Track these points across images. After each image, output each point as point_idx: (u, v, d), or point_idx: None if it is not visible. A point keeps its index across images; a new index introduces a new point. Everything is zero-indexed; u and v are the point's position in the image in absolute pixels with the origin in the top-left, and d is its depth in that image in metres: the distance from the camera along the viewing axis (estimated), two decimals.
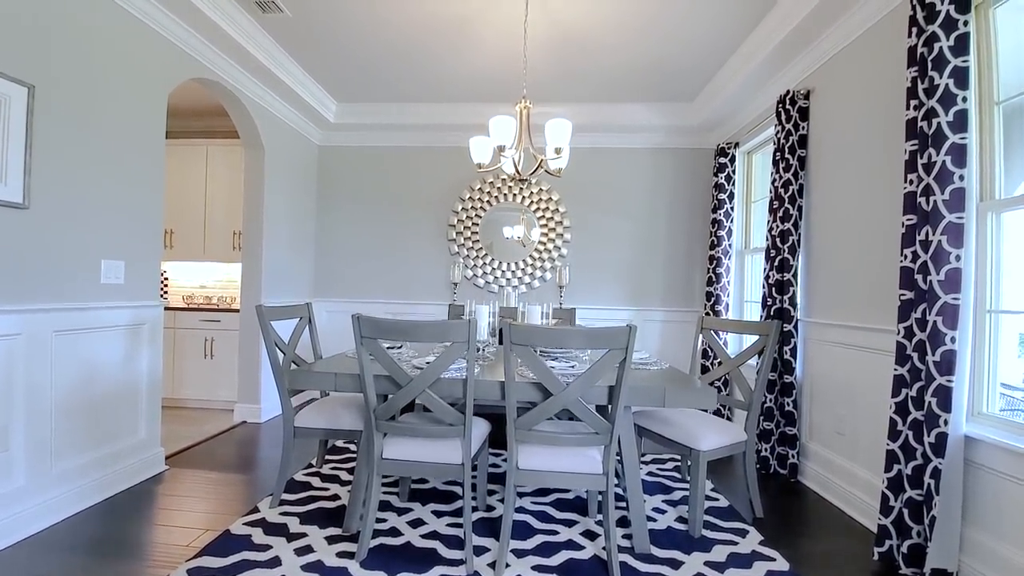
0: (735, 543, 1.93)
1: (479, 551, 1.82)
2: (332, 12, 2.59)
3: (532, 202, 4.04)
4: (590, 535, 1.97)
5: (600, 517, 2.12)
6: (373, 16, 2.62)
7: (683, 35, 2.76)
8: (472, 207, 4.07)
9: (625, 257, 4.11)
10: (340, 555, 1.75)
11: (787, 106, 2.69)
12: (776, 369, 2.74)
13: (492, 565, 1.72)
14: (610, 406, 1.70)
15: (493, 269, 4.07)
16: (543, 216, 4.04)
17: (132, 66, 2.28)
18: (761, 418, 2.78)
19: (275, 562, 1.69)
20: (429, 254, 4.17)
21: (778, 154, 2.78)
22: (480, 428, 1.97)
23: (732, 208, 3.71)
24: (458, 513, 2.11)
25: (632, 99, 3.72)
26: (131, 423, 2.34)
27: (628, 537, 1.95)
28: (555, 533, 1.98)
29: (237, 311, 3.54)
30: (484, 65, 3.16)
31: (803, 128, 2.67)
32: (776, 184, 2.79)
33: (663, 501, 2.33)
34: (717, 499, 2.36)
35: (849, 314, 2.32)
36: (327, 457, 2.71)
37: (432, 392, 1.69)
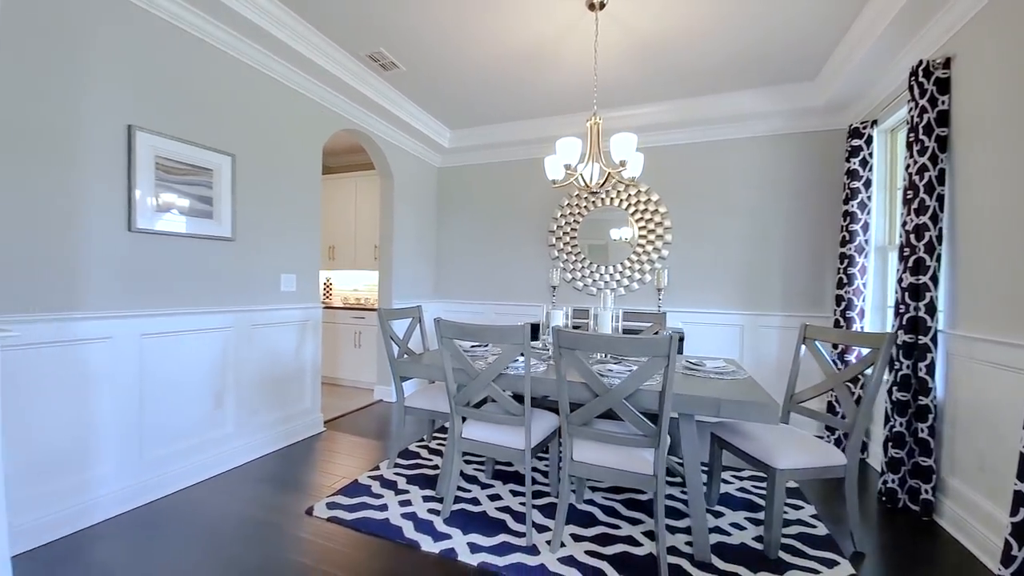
0: (816, 572, 1.79)
1: (542, 529, 2.04)
2: (436, 62, 3.08)
3: (630, 204, 4.04)
4: (652, 536, 2.03)
5: (665, 521, 2.15)
6: (466, 59, 3.03)
7: (784, 9, 2.52)
8: (570, 213, 4.25)
9: (736, 257, 3.83)
10: (430, 511, 2.16)
11: (920, 78, 2.27)
12: (909, 389, 2.35)
13: (549, 543, 1.93)
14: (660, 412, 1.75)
15: (591, 272, 4.18)
16: (641, 218, 4.01)
17: (297, 128, 3.05)
18: (890, 444, 2.42)
19: (383, 508, 2.18)
20: (531, 259, 4.48)
21: (911, 135, 2.36)
22: (548, 421, 2.19)
23: (869, 197, 3.20)
24: (533, 495, 2.35)
25: (737, 87, 3.46)
26: (300, 394, 3.14)
27: (691, 544, 1.96)
28: (617, 527, 2.09)
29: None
30: (569, 80, 3.34)
31: (942, 103, 2.23)
32: (910, 170, 2.38)
33: (745, 518, 2.23)
34: (815, 527, 2.16)
35: (1008, 328, 1.87)
36: (435, 435, 3.21)
37: (496, 385, 1.97)
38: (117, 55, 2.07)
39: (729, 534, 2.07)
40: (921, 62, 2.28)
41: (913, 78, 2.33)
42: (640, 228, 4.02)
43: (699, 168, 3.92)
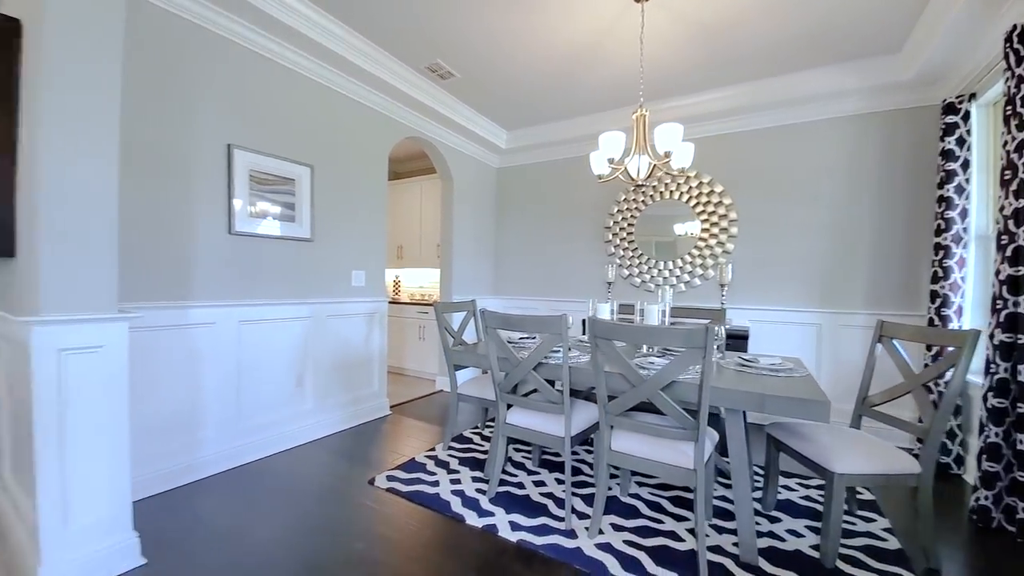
0: None
1: (583, 516, 2.10)
2: (488, 68, 3.23)
3: (691, 197, 3.91)
4: (696, 534, 2.00)
5: (714, 521, 2.10)
6: (517, 61, 3.14)
7: None
8: (627, 208, 4.20)
9: (812, 250, 3.56)
10: (477, 490, 2.31)
11: (1016, 44, 2.00)
12: (1007, 395, 2.08)
13: (588, 528, 1.98)
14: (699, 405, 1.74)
15: (649, 268, 4.10)
16: (703, 211, 3.86)
17: (366, 138, 3.36)
18: (984, 457, 2.15)
19: (435, 484, 2.36)
20: (587, 255, 4.49)
21: (1008, 107, 2.09)
22: (591, 412, 2.23)
23: (967, 180, 2.83)
24: (577, 484, 2.41)
25: (808, 65, 3.22)
26: (368, 380, 3.45)
27: (738, 544, 1.90)
28: (660, 522, 2.08)
29: None
30: (620, 74, 3.33)
31: None
32: (1007, 147, 2.10)
33: (806, 526, 2.10)
34: (886, 540, 1.99)
35: None
36: (488, 423, 3.37)
37: (537, 374, 2.06)
38: (219, 85, 2.45)
39: (783, 540, 1.98)
40: (1015, 27, 2.01)
41: (1008, 44, 2.05)
42: (703, 221, 3.87)
43: (768, 156, 3.69)
